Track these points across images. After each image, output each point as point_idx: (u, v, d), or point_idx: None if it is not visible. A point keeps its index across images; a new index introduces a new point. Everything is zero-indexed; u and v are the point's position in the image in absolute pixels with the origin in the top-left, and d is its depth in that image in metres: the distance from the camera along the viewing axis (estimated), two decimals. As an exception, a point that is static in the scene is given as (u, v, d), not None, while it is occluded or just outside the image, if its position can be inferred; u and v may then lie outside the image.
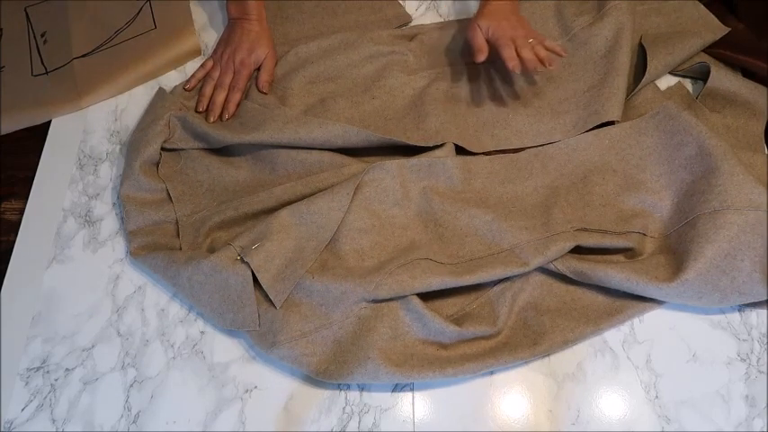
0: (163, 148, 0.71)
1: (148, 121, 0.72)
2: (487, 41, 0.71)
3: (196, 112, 0.75)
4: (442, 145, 0.69)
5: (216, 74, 0.77)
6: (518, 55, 0.69)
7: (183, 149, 0.72)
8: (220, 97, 0.75)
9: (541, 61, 0.68)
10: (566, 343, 0.59)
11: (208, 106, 0.75)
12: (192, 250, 0.65)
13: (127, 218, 0.67)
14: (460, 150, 0.71)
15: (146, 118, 0.74)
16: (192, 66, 0.81)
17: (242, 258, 0.60)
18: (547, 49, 0.70)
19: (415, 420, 0.58)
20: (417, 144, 0.69)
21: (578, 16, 0.77)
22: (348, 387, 0.60)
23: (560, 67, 0.75)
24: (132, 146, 0.71)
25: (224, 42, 0.79)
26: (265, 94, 0.76)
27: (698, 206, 0.60)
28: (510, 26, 0.71)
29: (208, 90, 0.76)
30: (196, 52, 0.82)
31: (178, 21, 0.82)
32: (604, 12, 0.74)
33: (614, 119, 0.68)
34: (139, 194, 0.68)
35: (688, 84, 0.76)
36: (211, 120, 0.73)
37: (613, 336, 0.61)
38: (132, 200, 0.68)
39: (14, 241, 0.69)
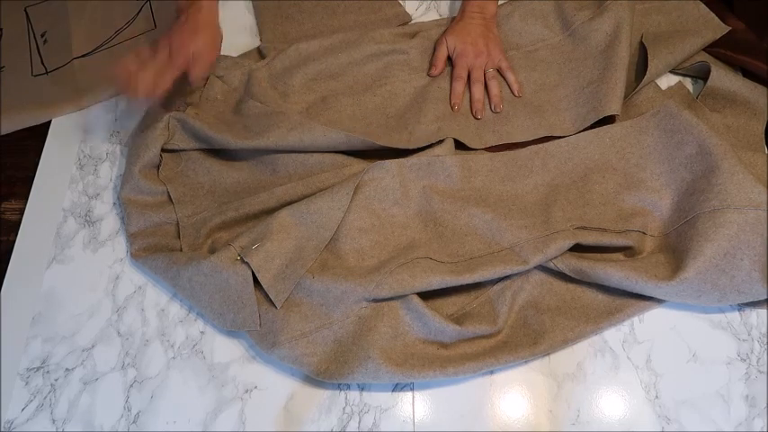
0: (164, 150, 0.71)
1: (148, 124, 0.72)
2: (450, 59, 0.76)
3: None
4: (442, 141, 0.69)
5: (145, 55, 0.66)
6: (470, 89, 0.74)
7: (183, 151, 0.72)
8: (145, 76, 0.63)
9: (492, 104, 0.73)
10: (566, 342, 0.59)
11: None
12: (193, 251, 0.65)
13: (128, 220, 0.67)
14: (461, 147, 0.71)
15: (146, 119, 0.74)
16: (191, 65, 0.81)
17: (242, 258, 0.60)
18: (507, 81, 0.75)
19: (415, 420, 0.58)
20: (419, 146, 0.69)
21: (579, 11, 0.77)
22: (348, 387, 0.60)
23: (561, 64, 0.76)
24: (131, 150, 0.71)
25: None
26: (197, 87, 0.72)
27: (698, 205, 0.60)
28: (474, 52, 0.75)
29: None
30: (196, 52, 0.82)
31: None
32: (604, 7, 0.75)
33: (613, 113, 0.68)
34: (140, 197, 0.68)
35: (688, 83, 0.76)
36: (140, 96, 0.64)
37: (613, 336, 0.61)
38: (133, 202, 0.68)
39: (14, 241, 0.69)
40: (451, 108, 0.74)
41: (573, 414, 0.58)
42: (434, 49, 0.78)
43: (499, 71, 0.76)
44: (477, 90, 0.74)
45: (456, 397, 0.59)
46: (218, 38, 0.71)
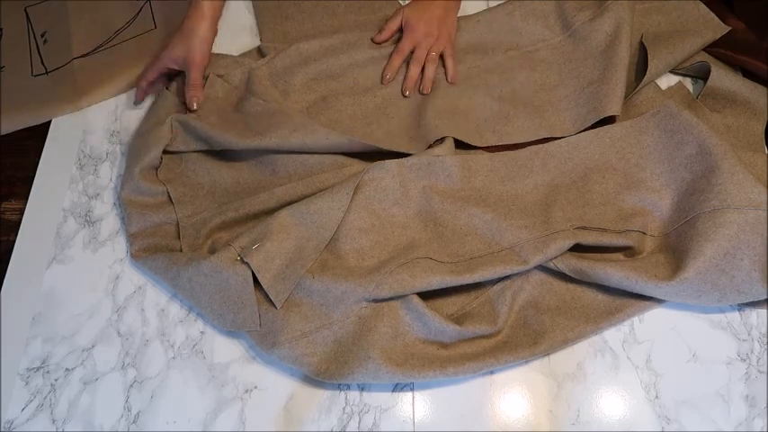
0: (165, 152, 0.70)
1: (150, 125, 0.72)
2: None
3: None
4: (442, 141, 0.69)
5: None
6: (407, 65, 0.75)
7: (183, 152, 0.72)
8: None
9: (422, 84, 0.74)
10: (566, 342, 0.59)
11: None
12: (193, 251, 0.65)
13: (128, 220, 0.67)
14: (461, 146, 0.71)
15: (148, 120, 0.74)
16: (191, 65, 0.81)
17: (242, 258, 0.60)
18: (445, 66, 0.75)
19: (415, 420, 0.58)
20: (420, 150, 0.69)
21: (579, 11, 0.77)
22: (348, 387, 0.60)
23: (562, 64, 0.76)
24: (132, 151, 0.71)
25: None
26: (193, 111, 0.72)
27: (698, 205, 0.60)
28: (425, 31, 0.75)
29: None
30: (196, 52, 0.82)
31: (178, 21, 0.82)
32: (605, 7, 0.75)
33: (613, 114, 0.68)
34: (140, 198, 0.68)
35: (688, 83, 0.76)
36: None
37: (613, 336, 0.61)
38: (133, 203, 0.68)
39: (14, 241, 0.69)
40: (381, 80, 0.76)
41: (573, 414, 0.58)
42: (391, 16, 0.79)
43: (442, 56, 0.76)
44: (415, 69, 0.75)
45: (456, 397, 0.59)
46: (200, 53, 0.72)
